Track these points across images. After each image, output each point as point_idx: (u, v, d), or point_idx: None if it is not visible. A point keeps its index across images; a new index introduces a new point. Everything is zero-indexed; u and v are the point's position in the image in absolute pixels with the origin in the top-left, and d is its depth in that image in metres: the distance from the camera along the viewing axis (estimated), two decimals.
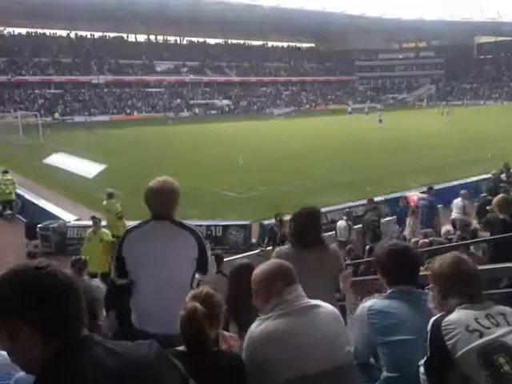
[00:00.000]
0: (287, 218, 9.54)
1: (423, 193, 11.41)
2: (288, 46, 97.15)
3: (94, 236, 8.87)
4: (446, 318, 1.82)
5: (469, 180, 14.80)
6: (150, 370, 1.24)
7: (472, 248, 6.13)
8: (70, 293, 1.21)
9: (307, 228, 3.20)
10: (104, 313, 4.38)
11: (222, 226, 11.36)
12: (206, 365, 1.81)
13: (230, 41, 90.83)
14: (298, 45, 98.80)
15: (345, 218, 10.15)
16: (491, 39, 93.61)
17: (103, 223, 9.51)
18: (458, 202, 10.31)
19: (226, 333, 2.13)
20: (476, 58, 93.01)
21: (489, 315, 1.80)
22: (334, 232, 10.16)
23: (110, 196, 10.46)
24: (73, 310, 1.21)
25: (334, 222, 11.47)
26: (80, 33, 75.67)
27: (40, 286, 1.17)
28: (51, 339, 1.17)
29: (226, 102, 73.82)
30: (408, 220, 10.13)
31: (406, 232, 9.74)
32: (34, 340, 1.16)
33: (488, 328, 1.75)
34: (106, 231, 9.02)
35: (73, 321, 1.21)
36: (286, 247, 3.32)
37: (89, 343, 1.22)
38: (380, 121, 36.67)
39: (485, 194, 11.10)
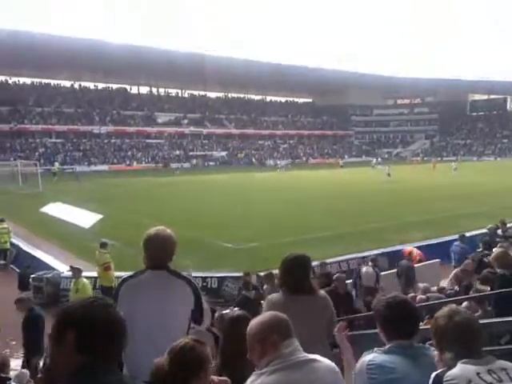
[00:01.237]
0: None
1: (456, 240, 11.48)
2: (286, 101, 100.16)
3: (73, 286, 9.14)
4: (448, 373, 1.78)
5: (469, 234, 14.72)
6: None
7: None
8: (114, 324, 1.52)
9: (296, 274, 3.17)
10: None
11: (218, 277, 11.22)
12: None
13: (229, 94, 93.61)
14: (296, 99, 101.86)
15: (370, 264, 10.18)
16: (484, 97, 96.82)
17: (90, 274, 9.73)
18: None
19: (215, 378, 2.06)
20: (469, 115, 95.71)
21: (491, 370, 1.77)
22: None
23: (103, 246, 10.42)
24: (111, 339, 1.49)
25: (330, 274, 11.54)
26: (84, 83, 78.02)
27: (97, 315, 1.47)
28: (85, 353, 1.42)
29: (223, 153, 75.03)
30: None
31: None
32: (72, 351, 1.42)
33: None
34: (85, 281, 9.08)
35: (109, 348, 1.49)
36: (276, 295, 3.27)
37: (111, 369, 1.48)
38: (389, 174, 37.91)
39: (481, 249, 11.07)
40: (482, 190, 28.96)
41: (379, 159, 57.61)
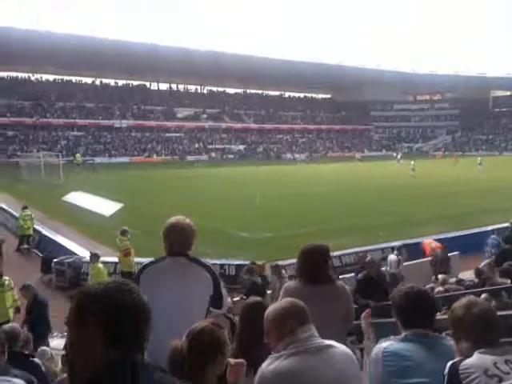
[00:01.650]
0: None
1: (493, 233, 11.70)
2: (305, 97, 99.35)
3: (90, 271, 9.57)
4: (464, 362, 1.78)
5: (488, 228, 14.55)
6: None
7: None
8: (141, 312, 1.34)
9: (314, 263, 3.16)
10: None
11: (235, 265, 11.39)
12: None
13: (248, 90, 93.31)
14: (314, 95, 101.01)
15: (396, 252, 10.70)
16: (507, 93, 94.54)
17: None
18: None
19: (231, 360, 2.09)
20: (491, 111, 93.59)
21: (508, 361, 1.76)
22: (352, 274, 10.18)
23: (123, 233, 10.63)
24: (140, 331, 1.34)
25: (347, 265, 11.83)
26: (105, 80, 78.79)
27: (121, 300, 1.29)
28: (113, 346, 1.25)
29: (242, 147, 75.11)
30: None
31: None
32: (97, 342, 1.24)
33: (507, 373, 1.71)
34: (100, 266, 9.37)
35: (136, 340, 1.33)
36: (293, 283, 3.28)
37: (140, 365, 1.30)
38: (413, 169, 37.50)
39: (503, 243, 10.96)
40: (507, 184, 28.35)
41: (400, 154, 56.66)
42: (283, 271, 8.68)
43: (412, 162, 39.15)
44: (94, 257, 9.51)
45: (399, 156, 54.17)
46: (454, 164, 48.36)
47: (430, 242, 12.03)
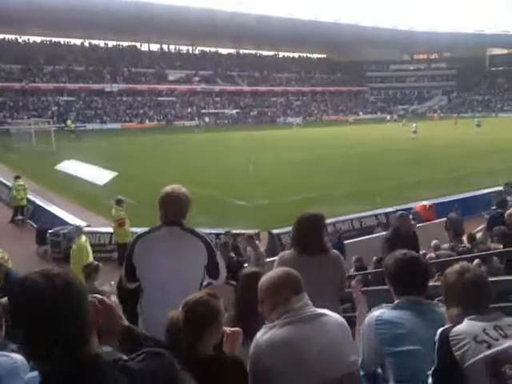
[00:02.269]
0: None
1: None
2: (299, 57, 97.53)
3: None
4: (454, 329, 1.80)
5: (480, 192, 14.63)
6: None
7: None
8: (59, 304, 1.09)
9: (309, 234, 3.18)
10: None
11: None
12: (199, 371, 1.77)
13: (241, 51, 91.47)
14: (310, 55, 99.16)
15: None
16: (503, 51, 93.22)
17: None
18: None
19: (227, 329, 2.13)
20: (488, 70, 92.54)
21: (497, 326, 1.78)
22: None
23: (118, 202, 10.40)
24: (66, 324, 1.09)
25: (340, 231, 11.53)
26: (94, 41, 76.85)
27: (28, 293, 1.09)
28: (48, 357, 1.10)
29: (235, 111, 74.22)
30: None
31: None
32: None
33: (496, 339, 1.74)
34: (81, 242, 8.64)
35: (70, 336, 1.11)
36: (288, 252, 3.30)
37: (91, 368, 1.13)
38: (415, 132, 37.09)
39: (494, 207, 10.98)
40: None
41: (395, 116, 56.11)
42: (257, 242, 8.65)
43: (414, 125, 38.32)
44: (76, 229, 9.14)
45: (394, 118, 53.68)
46: (453, 126, 48.05)
47: (423, 205, 11.99)
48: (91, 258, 8.16)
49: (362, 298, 2.78)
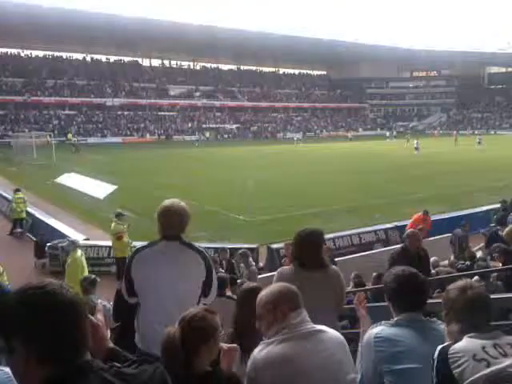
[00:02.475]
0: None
1: None
2: (300, 73, 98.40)
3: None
4: (453, 346, 1.79)
5: (478, 210, 14.60)
6: None
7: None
8: (68, 313, 1.16)
9: (308, 249, 3.18)
10: (109, 332, 4.36)
11: (229, 248, 11.28)
12: None
13: (242, 67, 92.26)
14: (310, 72, 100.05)
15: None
16: (502, 70, 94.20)
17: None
18: None
19: (224, 346, 2.11)
20: (486, 88, 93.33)
21: (497, 345, 1.77)
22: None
23: (118, 216, 10.34)
24: (72, 333, 1.16)
25: (341, 248, 11.58)
26: (96, 56, 77.41)
27: (38, 306, 1.14)
28: (47, 363, 1.14)
29: (235, 126, 74.59)
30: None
31: None
32: (30, 362, 1.13)
33: (496, 358, 1.72)
34: (76, 256, 8.62)
35: (71, 344, 1.17)
36: (287, 268, 3.30)
37: (87, 371, 1.17)
38: (416, 148, 37.22)
39: (493, 224, 10.97)
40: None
41: (394, 133, 56.42)
42: (250, 259, 8.64)
43: (415, 141, 38.45)
44: (71, 244, 9.06)
45: (393, 135, 54.02)
46: (454, 142, 48.33)
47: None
48: (86, 273, 8.14)
49: (365, 313, 2.75)
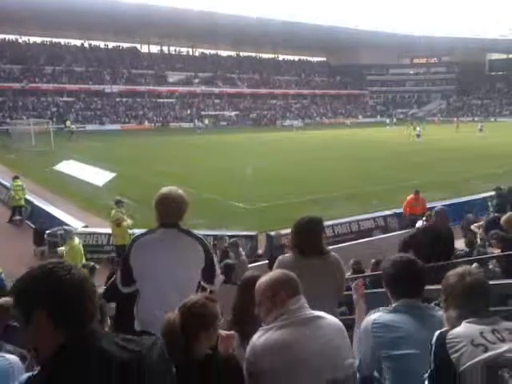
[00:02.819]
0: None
1: None
2: (299, 60, 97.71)
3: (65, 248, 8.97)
4: (451, 332, 1.79)
5: (477, 197, 14.59)
6: (148, 362, 1.36)
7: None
8: (82, 287, 1.34)
9: (308, 236, 3.18)
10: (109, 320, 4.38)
11: (229, 236, 11.33)
12: (195, 371, 1.82)
13: (241, 53, 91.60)
14: (309, 58, 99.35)
15: (424, 218, 10.20)
16: (503, 56, 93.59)
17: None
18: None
19: (222, 332, 2.13)
20: (487, 75, 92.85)
21: (495, 330, 1.77)
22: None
23: (117, 203, 10.31)
24: (85, 303, 1.33)
25: (340, 235, 11.65)
26: (94, 42, 76.83)
27: (56, 279, 1.31)
28: (63, 327, 1.29)
29: (234, 113, 74.28)
30: None
31: None
32: (48, 330, 1.28)
33: (493, 343, 1.73)
34: (74, 244, 8.78)
35: (85, 313, 1.33)
36: (287, 255, 3.30)
37: (97, 335, 1.34)
38: (418, 135, 37.06)
39: (491, 210, 10.98)
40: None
41: (394, 119, 56.21)
42: (240, 249, 8.65)
43: (418, 128, 38.30)
44: (67, 232, 9.07)
45: (394, 122, 53.83)
46: (455, 129, 48.14)
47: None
48: (84, 261, 8.18)
49: (362, 299, 2.76)
